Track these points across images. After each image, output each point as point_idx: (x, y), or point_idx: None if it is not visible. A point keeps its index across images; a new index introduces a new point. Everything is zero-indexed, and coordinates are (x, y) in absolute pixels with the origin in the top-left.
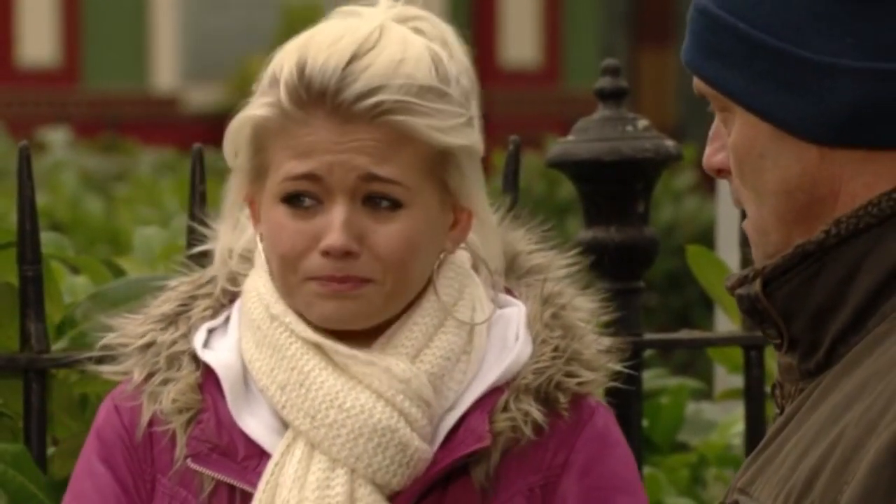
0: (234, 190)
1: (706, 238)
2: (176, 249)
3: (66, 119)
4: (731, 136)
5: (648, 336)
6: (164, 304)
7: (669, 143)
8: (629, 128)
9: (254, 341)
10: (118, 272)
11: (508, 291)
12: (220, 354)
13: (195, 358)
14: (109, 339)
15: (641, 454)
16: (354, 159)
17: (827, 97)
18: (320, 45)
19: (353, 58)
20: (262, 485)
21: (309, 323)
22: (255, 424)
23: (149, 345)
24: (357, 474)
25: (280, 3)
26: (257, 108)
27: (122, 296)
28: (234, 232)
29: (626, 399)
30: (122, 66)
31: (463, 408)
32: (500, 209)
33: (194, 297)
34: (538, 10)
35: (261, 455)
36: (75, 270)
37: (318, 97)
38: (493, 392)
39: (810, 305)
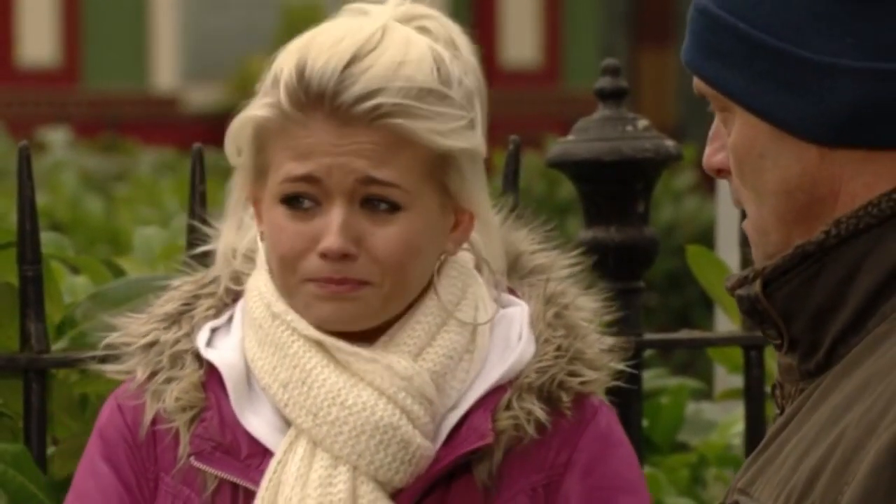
0: (237, 188)
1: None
2: (176, 249)
3: (66, 119)
4: (730, 136)
5: (648, 336)
6: (167, 304)
7: (669, 143)
8: (629, 128)
9: (256, 340)
10: (118, 272)
11: (511, 291)
12: (223, 353)
13: (198, 357)
14: (113, 338)
15: (641, 454)
16: (353, 162)
17: (827, 97)
18: (321, 46)
19: (353, 59)
20: (264, 483)
21: (301, 314)
22: (257, 423)
23: (152, 344)
24: (359, 471)
25: (280, 3)
26: (258, 108)
27: (122, 296)
28: (239, 231)
29: (627, 399)
30: (122, 66)
31: (465, 406)
32: (503, 209)
33: (197, 297)
34: (538, 10)
35: (264, 453)
36: (75, 270)
37: (316, 99)
38: (496, 391)
39: (810, 306)
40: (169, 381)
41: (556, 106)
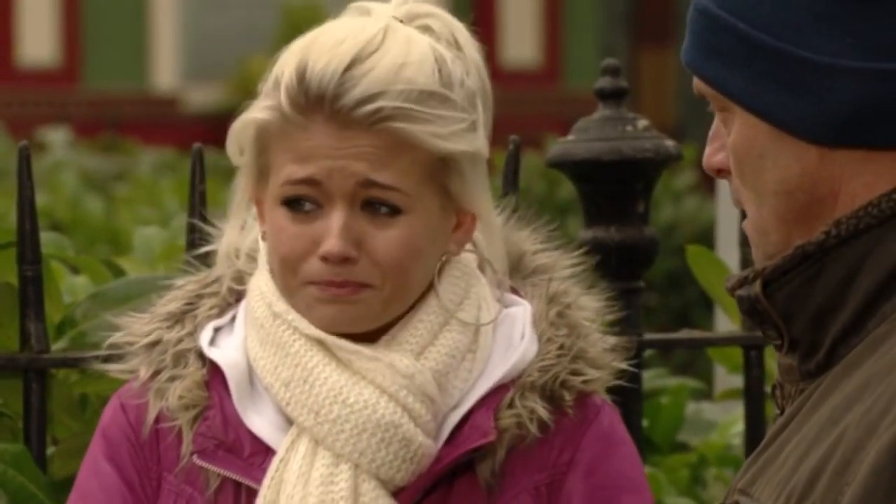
0: (240, 189)
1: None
2: (176, 249)
3: (66, 119)
4: (730, 136)
5: (648, 336)
6: (170, 303)
7: (669, 143)
8: (629, 128)
9: (258, 339)
10: (118, 272)
11: (514, 291)
12: (226, 352)
13: (201, 356)
14: (116, 337)
15: (641, 454)
16: (353, 165)
17: (826, 97)
18: (322, 48)
19: (354, 62)
20: (266, 481)
21: (303, 315)
22: (260, 422)
23: (155, 343)
24: (361, 469)
25: (280, 3)
26: (259, 110)
27: (122, 296)
28: (242, 231)
29: (627, 399)
30: (122, 66)
31: (468, 405)
32: (506, 210)
33: (200, 296)
34: (538, 10)
35: (266, 452)
36: (75, 270)
37: (316, 102)
38: (499, 389)
39: (810, 306)
40: (172, 379)
41: (556, 106)
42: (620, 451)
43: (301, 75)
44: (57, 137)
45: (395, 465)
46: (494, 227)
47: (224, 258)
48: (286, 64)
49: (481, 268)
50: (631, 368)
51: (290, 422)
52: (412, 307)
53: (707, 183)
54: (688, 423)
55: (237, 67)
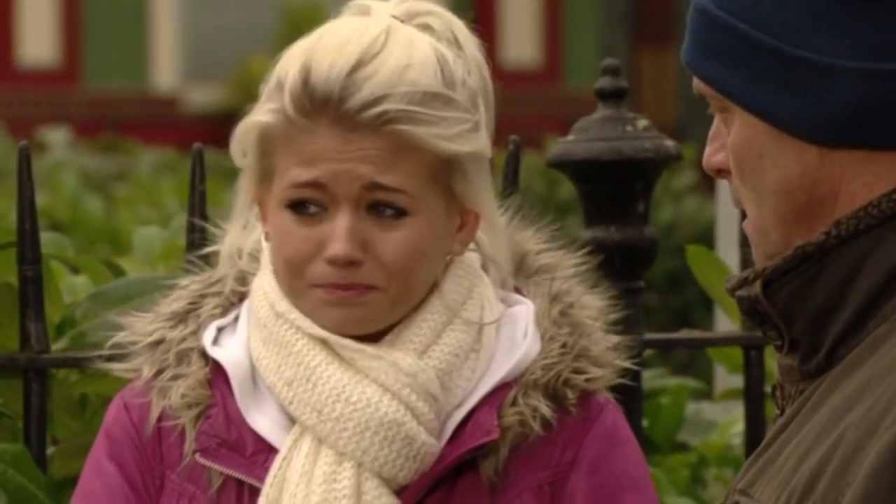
0: (243, 190)
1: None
2: (176, 249)
3: (66, 119)
4: (730, 136)
5: (648, 336)
6: (173, 303)
7: (669, 143)
8: (629, 128)
9: (261, 339)
10: (118, 272)
11: (517, 290)
12: (229, 352)
13: (204, 355)
14: (119, 337)
15: None
16: (358, 168)
17: (826, 97)
18: (325, 51)
19: (358, 65)
20: (269, 479)
21: (309, 317)
22: (262, 421)
23: (158, 342)
24: (364, 468)
25: (280, 3)
26: (263, 113)
27: (122, 296)
28: (244, 231)
29: (627, 399)
30: (122, 66)
31: (471, 404)
32: (509, 210)
33: (204, 296)
34: (538, 10)
35: (269, 450)
36: (75, 270)
37: (321, 106)
38: (502, 388)
39: (810, 307)
40: (175, 378)
41: (556, 106)
42: (623, 450)
43: (305, 79)
44: (57, 137)
45: (397, 463)
46: (498, 226)
47: (227, 258)
48: (289, 66)
49: (484, 267)
50: (634, 367)
51: (292, 421)
52: (416, 307)
53: (707, 183)
54: (688, 423)
55: (237, 67)
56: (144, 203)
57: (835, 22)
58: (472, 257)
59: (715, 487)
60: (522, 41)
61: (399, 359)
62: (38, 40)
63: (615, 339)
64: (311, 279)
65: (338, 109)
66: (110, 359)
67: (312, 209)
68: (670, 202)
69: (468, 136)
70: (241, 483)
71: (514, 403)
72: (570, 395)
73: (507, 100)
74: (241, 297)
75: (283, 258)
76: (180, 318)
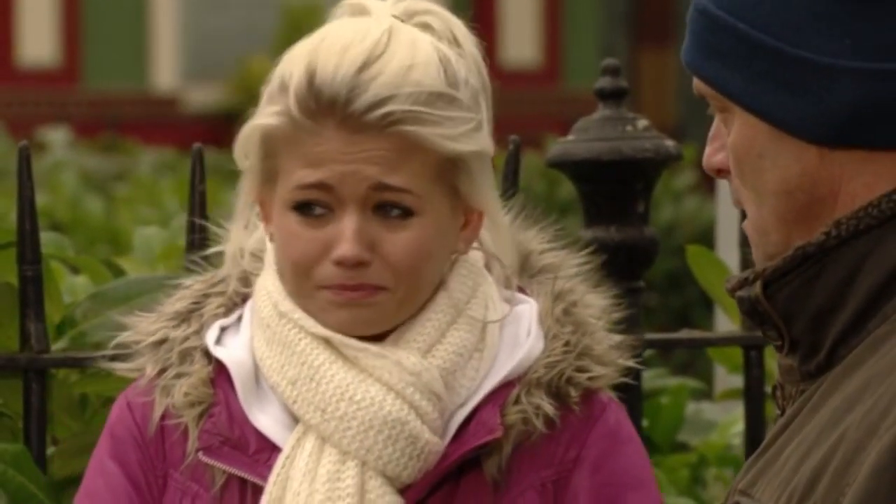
0: (245, 192)
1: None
2: (176, 249)
3: (66, 119)
4: (730, 136)
5: (648, 336)
6: (177, 302)
7: (669, 143)
8: (629, 128)
9: (264, 339)
10: (118, 272)
11: (521, 290)
12: (232, 351)
13: (207, 354)
14: (123, 337)
15: None
16: (365, 169)
17: (826, 97)
18: (329, 52)
19: (363, 66)
20: (272, 478)
21: (314, 318)
22: (265, 420)
23: (161, 341)
24: (367, 467)
25: (280, 3)
26: (267, 116)
27: (122, 296)
28: (245, 231)
29: (627, 399)
30: (122, 66)
31: (474, 402)
32: (512, 210)
33: (207, 295)
34: (538, 10)
35: (272, 449)
36: (75, 270)
37: (327, 108)
38: (505, 386)
39: (811, 307)
40: (178, 377)
41: (556, 106)
42: (627, 449)
43: (310, 80)
44: (57, 137)
45: (401, 462)
46: (502, 223)
47: (231, 258)
48: (293, 68)
49: (488, 267)
50: (637, 366)
51: (295, 420)
52: (422, 306)
53: (707, 183)
54: (688, 423)
55: (237, 67)
56: (144, 203)
57: (835, 22)
58: (475, 256)
59: (715, 487)
60: (522, 41)
61: (403, 358)
62: (38, 40)
63: (618, 337)
64: (319, 280)
65: (344, 111)
66: (113, 358)
67: (318, 211)
68: (670, 202)
69: (472, 135)
70: (244, 481)
71: (517, 402)
72: (573, 393)
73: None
74: (245, 297)
75: (289, 260)
76: (183, 317)
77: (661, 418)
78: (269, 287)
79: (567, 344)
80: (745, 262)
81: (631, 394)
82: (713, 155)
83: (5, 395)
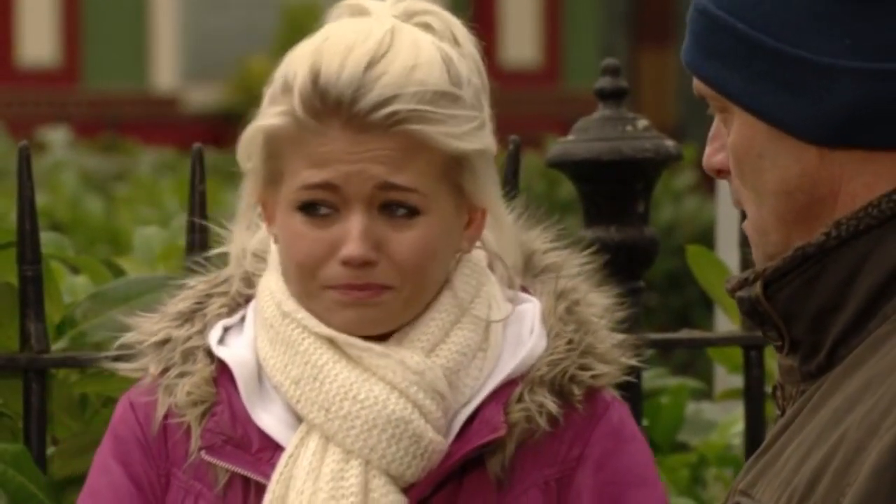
0: (247, 193)
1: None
2: (176, 249)
3: (66, 119)
4: (730, 136)
5: (649, 336)
6: (180, 303)
7: (669, 143)
8: (629, 128)
9: (268, 339)
10: (118, 272)
11: (523, 289)
12: (235, 351)
13: (210, 353)
14: (127, 337)
15: None
16: (370, 169)
17: (826, 97)
18: (332, 52)
19: (368, 66)
20: (275, 476)
21: (319, 318)
22: (268, 419)
23: (164, 341)
24: (371, 466)
25: (280, 3)
26: (270, 117)
27: (122, 296)
28: (247, 231)
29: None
30: (122, 66)
31: (478, 401)
32: (515, 210)
33: (210, 295)
34: (538, 10)
35: (275, 448)
36: (75, 270)
37: (333, 108)
38: (508, 384)
39: (811, 307)
40: (181, 376)
41: (556, 106)
42: (630, 447)
43: (315, 81)
44: (57, 137)
45: (405, 461)
46: (505, 222)
47: (235, 259)
48: (297, 68)
49: (491, 267)
50: (640, 365)
51: (298, 420)
52: (426, 305)
53: (707, 183)
54: (688, 423)
55: (237, 67)
56: (144, 203)
57: (834, 22)
58: (478, 256)
59: (715, 487)
60: (522, 41)
61: (406, 357)
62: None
63: (621, 336)
64: (325, 281)
65: (350, 110)
66: (116, 359)
67: (324, 211)
68: (670, 202)
69: (476, 133)
70: (247, 480)
71: (520, 400)
72: (577, 391)
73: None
74: (248, 298)
75: (295, 261)
76: (186, 317)
77: (661, 418)
78: (272, 287)
79: (570, 342)
80: (745, 262)
81: (631, 393)
82: (713, 155)
83: (5, 395)
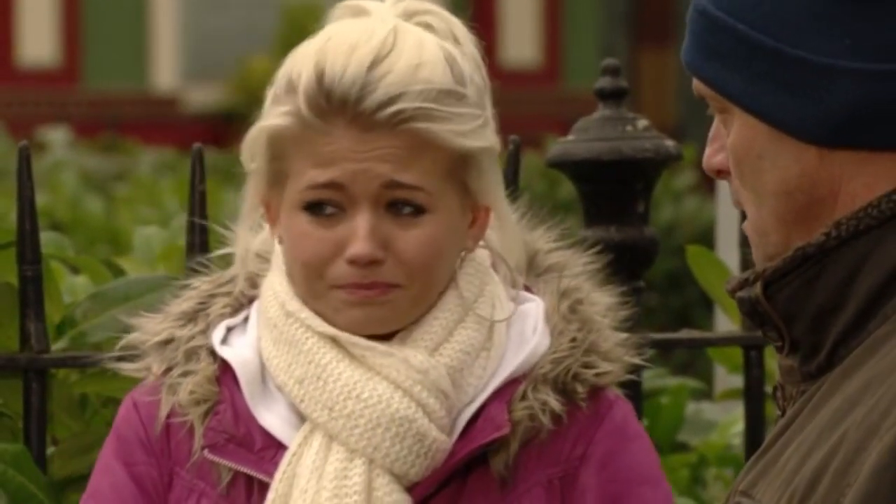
0: (251, 193)
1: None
2: (176, 249)
3: (66, 119)
4: (730, 137)
5: (649, 336)
6: (183, 303)
7: (669, 143)
8: (629, 128)
9: (271, 339)
10: (118, 272)
11: (527, 288)
12: (238, 350)
13: (213, 353)
14: (130, 337)
15: None
16: (376, 167)
17: (825, 98)
18: (337, 52)
19: (372, 65)
20: (279, 475)
21: (325, 318)
22: (271, 418)
23: (167, 341)
24: (375, 464)
25: (280, 3)
26: (274, 117)
27: (122, 296)
28: (251, 232)
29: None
30: (122, 66)
31: (481, 400)
32: (518, 210)
33: (213, 296)
34: (538, 10)
35: (277, 447)
36: (75, 270)
37: (338, 107)
38: (512, 383)
39: (811, 308)
40: (184, 375)
41: (556, 106)
42: (633, 446)
43: (320, 79)
44: (57, 137)
45: (409, 459)
46: (509, 220)
47: (239, 259)
48: (301, 68)
49: (494, 266)
50: (644, 363)
51: (302, 419)
52: (431, 304)
53: (707, 183)
54: (688, 423)
55: (237, 67)
56: (144, 203)
57: (834, 22)
58: (482, 255)
59: (715, 487)
60: (522, 41)
61: (410, 356)
62: (38, 40)
63: (624, 335)
64: (332, 280)
65: (355, 109)
66: (119, 359)
67: (329, 210)
68: (670, 202)
69: (481, 131)
70: (250, 479)
71: (523, 398)
72: (580, 389)
73: (506, 100)
74: (251, 299)
75: (300, 261)
76: (189, 317)
77: (661, 418)
78: (275, 287)
79: (573, 340)
80: (745, 263)
81: (631, 394)
82: (713, 156)
83: (5, 395)
